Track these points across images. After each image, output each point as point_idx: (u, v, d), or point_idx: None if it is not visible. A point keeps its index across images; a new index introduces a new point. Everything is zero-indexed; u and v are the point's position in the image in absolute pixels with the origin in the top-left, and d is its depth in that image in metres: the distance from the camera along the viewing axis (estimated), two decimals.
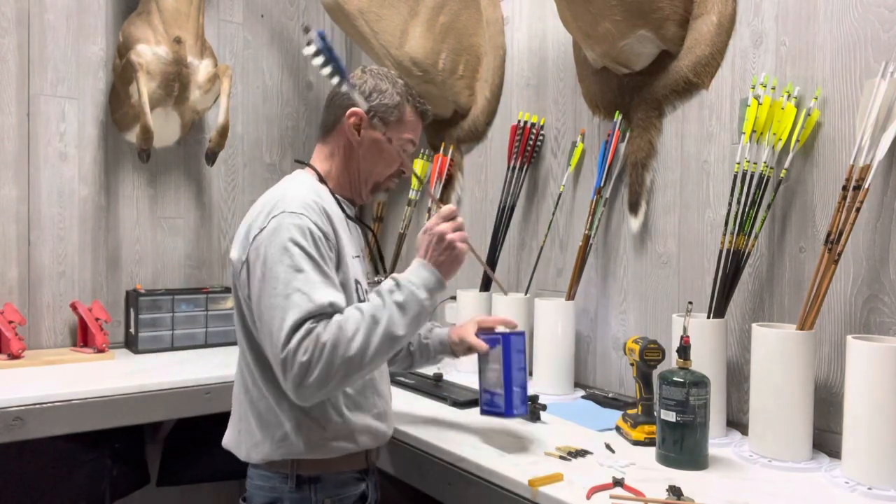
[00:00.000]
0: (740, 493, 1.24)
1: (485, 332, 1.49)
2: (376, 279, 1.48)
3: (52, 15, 2.33)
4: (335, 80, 1.26)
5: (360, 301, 1.33)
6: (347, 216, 1.39)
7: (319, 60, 1.22)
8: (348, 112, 1.37)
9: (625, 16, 1.68)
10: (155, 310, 2.39)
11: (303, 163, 1.44)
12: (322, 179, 1.40)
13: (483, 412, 1.52)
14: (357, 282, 1.34)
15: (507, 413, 1.43)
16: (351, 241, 1.37)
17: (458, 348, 1.52)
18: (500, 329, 1.49)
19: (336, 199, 1.38)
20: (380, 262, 1.55)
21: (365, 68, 1.43)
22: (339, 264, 1.30)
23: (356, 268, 1.36)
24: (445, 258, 1.28)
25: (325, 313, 1.19)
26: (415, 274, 1.26)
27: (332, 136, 1.41)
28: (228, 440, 1.40)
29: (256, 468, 1.35)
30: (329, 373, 1.15)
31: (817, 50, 1.52)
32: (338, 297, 1.22)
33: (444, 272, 1.28)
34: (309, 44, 1.20)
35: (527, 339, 2.04)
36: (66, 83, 2.36)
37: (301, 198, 1.28)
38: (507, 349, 1.42)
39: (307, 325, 1.16)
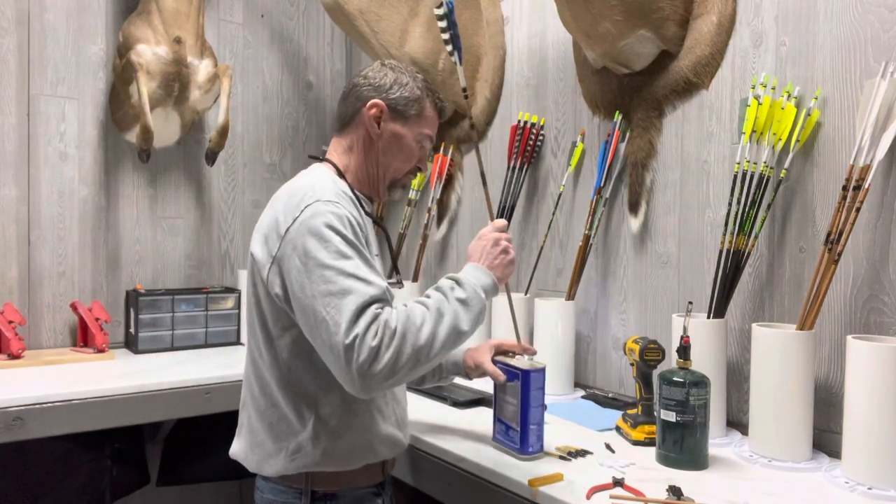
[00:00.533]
0: (740, 493, 1.24)
1: (503, 361, 1.45)
2: (391, 280, 1.44)
3: (52, 15, 2.33)
4: (448, 47, 1.39)
5: None
6: (366, 213, 1.33)
7: (443, 24, 1.36)
8: (369, 104, 1.33)
9: (625, 16, 1.68)
10: (155, 310, 2.39)
11: (318, 157, 1.40)
12: (341, 174, 1.35)
13: (496, 440, 1.49)
14: None
15: (523, 451, 1.39)
16: (374, 238, 1.34)
17: (473, 373, 1.49)
18: (519, 360, 1.44)
19: (356, 195, 1.33)
20: (393, 264, 1.53)
21: (384, 62, 1.39)
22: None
23: (377, 265, 1.31)
24: (500, 262, 1.29)
25: (385, 299, 1.15)
26: (472, 275, 1.25)
27: (351, 129, 1.36)
28: (236, 450, 1.34)
29: (267, 481, 1.30)
30: (398, 361, 1.10)
31: (817, 50, 1.52)
32: (386, 286, 1.18)
33: (498, 276, 1.28)
34: (440, 6, 1.36)
35: (527, 339, 2.06)
36: (66, 83, 2.36)
37: (331, 188, 1.25)
38: (527, 387, 1.37)
39: (372, 310, 1.11)
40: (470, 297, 1.20)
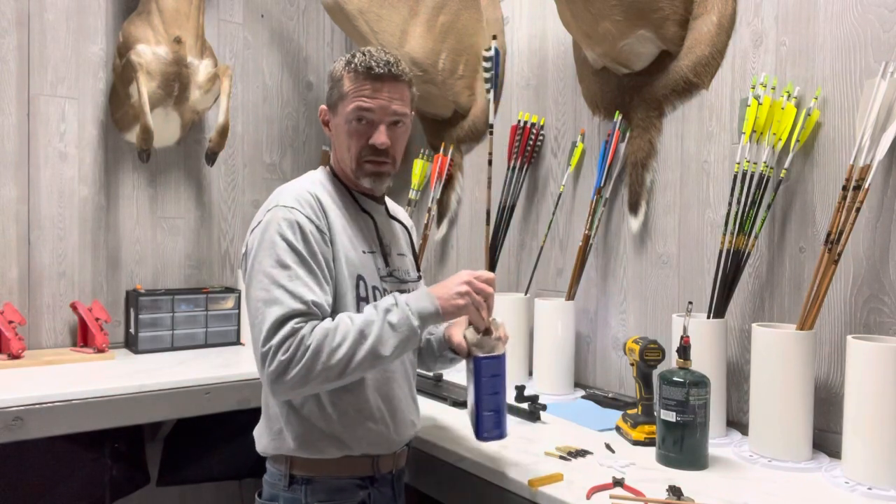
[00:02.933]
0: (740, 493, 1.24)
1: (470, 339, 1.35)
2: (383, 275, 1.42)
3: (52, 15, 2.33)
4: (487, 85, 1.33)
5: (357, 296, 1.31)
6: (362, 208, 1.39)
7: (487, 64, 1.29)
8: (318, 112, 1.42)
9: (625, 16, 1.68)
10: (155, 310, 2.39)
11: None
12: (337, 176, 1.42)
13: (468, 415, 1.43)
14: (360, 277, 1.31)
15: (478, 436, 1.32)
16: (359, 234, 1.35)
17: (452, 346, 1.45)
18: (485, 339, 1.32)
19: (352, 193, 1.39)
20: (413, 258, 1.54)
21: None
22: (333, 258, 1.29)
23: (364, 263, 1.33)
24: (451, 298, 1.24)
25: (310, 313, 1.20)
26: (415, 299, 1.24)
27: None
28: (255, 431, 1.42)
29: (267, 462, 1.37)
30: (307, 377, 1.16)
31: (817, 50, 1.52)
32: (321, 297, 1.22)
33: (443, 309, 1.24)
34: (489, 49, 1.42)
35: (527, 339, 2.06)
36: (66, 83, 2.35)
37: (296, 192, 1.30)
38: (478, 373, 1.29)
39: (291, 325, 1.17)
40: (400, 323, 1.20)
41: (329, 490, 1.31)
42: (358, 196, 1.40)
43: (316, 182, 1.37)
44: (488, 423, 1.31)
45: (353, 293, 1.30)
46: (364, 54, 1.31)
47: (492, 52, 1.39)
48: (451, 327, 1.45)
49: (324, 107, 1.40)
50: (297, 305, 1.19)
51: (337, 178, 1.41)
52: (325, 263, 1.27)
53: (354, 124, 1.31)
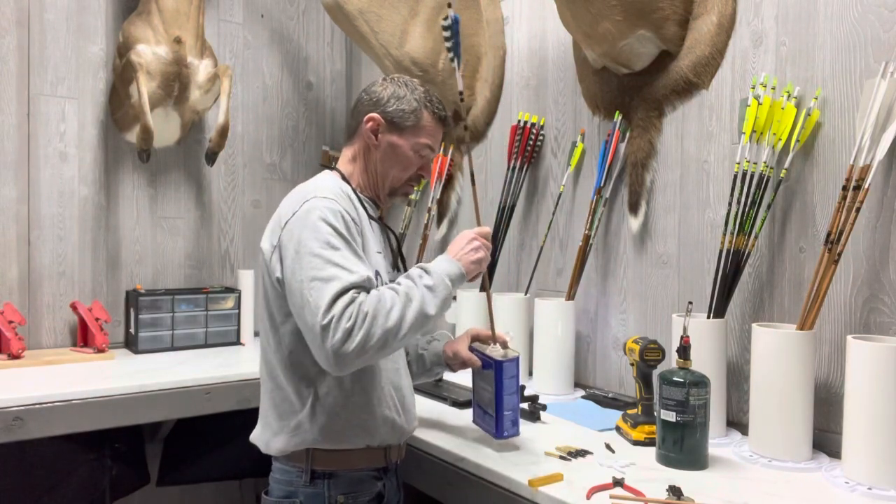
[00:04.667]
0: (740, 493, 1.24)
1: (479, 349, 1.50)
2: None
3: (52, 15, 2.33)
4: (450, 54, 1.48)
5: None
6: (370, 216, 1.44)
7: (447, 34, 1.46)
8: (366, 117, 1.43)
9: (625, 16, 1.68)
10: (155, 310, 2.39)
11: (328, 167, 1.51)
12: (346, 180, 1.46)
13: (474, 422, 1.54)
14: (378, 274, 1.38)
15: (498, 436, 1.43)
16: (373, 236, 1.42)
17: (452, 362, 1.54)
18: (494, 349, 1.48)
19: (359, 197, 1.44)
20: (401, 264, 1.59)
21: (387, 77, 1.48)
22: (363, 249, 1.35)
23: (378, 262, 1.40)
24: (467, 256, 1.36)
25: (364, 286, 1.24)
26: (440, 264, 1.33)
27: (354, 140, 1.47)
28: (254, 434, 1.43)
29: (277, 461, 1.39)
30: (368, 341, 1.19)
31: (817, 50, 1.52)
32: (372, 274, 1.28)
33: (466, 268, 1.35)
34: (446, 18, 1.46)
35: (527, 339, 2.06)
36: (66, 83, 2.35)
37: (328, 187, 1.37)
38: (500, 376, 1.41)
39: (350, 294, 1.21)
40: (436, 284, 1.29)
41: (350, 482, 1.36)
42: (364, 200, 1.45)
43: (337, 184, 1.41)
44: (507, 422, 1.42)
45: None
46: (438, 99, 1.48)
47: (449, 21, 1.42)
48: (453, 343, 1.55)
49: (380, 118, 1.42)
50: (354, 279, 1.22)
51: (347, 183, 1.45)
52: (363, 250, 1.34)
53: (417, 155, 1.45)
